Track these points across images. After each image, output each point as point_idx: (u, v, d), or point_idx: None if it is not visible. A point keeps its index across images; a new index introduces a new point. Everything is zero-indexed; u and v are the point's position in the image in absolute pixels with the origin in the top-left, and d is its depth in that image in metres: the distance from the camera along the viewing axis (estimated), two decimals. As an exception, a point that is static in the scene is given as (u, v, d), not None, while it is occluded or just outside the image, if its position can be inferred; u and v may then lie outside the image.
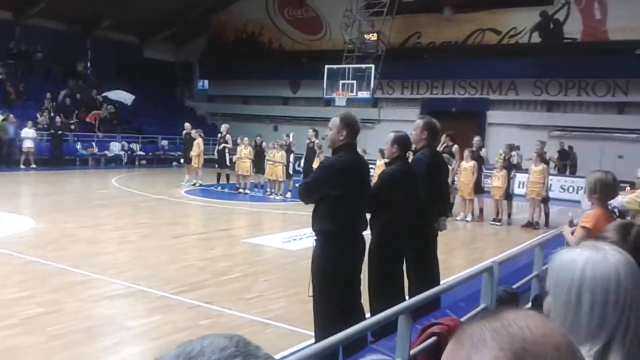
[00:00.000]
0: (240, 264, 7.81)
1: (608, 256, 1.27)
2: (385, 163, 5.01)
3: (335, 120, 4.25)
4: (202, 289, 6.45)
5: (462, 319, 2.93)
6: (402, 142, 4.92)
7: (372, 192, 4.62)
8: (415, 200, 4.86)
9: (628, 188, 8.71)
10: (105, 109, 24.49)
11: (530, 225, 12.24)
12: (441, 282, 4.97)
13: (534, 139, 15.17)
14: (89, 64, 27.24)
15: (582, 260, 1.27)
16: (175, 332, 4.99)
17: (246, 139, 16.31)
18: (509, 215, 12.88)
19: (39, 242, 8.55)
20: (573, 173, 18.64)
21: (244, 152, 15.94)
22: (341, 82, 21.39)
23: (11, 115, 19.90)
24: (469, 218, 12.84)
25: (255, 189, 16.16)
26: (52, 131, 20.83)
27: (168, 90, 30.19)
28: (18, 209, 11.43)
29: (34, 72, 24.47)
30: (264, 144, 16.14)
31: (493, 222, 12.60)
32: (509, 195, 12.83)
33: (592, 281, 1.23)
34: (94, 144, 22.70)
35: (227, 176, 16.59)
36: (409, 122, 5.85)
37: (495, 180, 12.78)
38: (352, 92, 21.20)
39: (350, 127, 4.23)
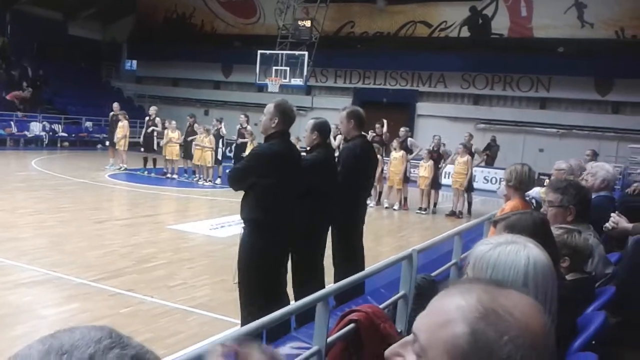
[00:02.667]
0: (165, 251, 7.64)
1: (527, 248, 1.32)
2: (306, 150, 5.00)
3: (269, 107, 4.20)
4: (123, 276, 6.27)
5: (381, 306, 2.97)
6: (321, 128, 4.89)
7: None
8: (336, 187, 4.88)
9: (547, 180, 9.13)
10: (25, 88, 23.27)
11: (454, 214, 12.64)
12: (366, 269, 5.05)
13: (462, 131, 15.66)
14: (7, 40, 25.71)
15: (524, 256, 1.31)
16: (93, 321, 4.82)
17: (174, 122, 15.94)
18: (435, 204, 13.26)
19: (-52, 226, 8.05)
20: (491, 164, 19.24)
21: (172, 135, 15.58)
22: (274, 68, 21.23)
23: None
24: (396, 207, 13.12)
25: (185, 175, 15.84)
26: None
27: (93, 70, 29.03)
28: None
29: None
30: (195, 125, 15.70)
31: (419, 211, 12.93)
32: (436, 185, 13.19)
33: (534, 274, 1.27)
34: (12, 123, 21.52)
35: (154, 160, 16.16)
36: (349, 106, 5.85)
37: (422, 170, 13.10)
38: (285, 78, 21.09)
39: (284, 114, 4.17)
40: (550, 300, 1.28)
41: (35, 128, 22.16)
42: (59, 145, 22.54)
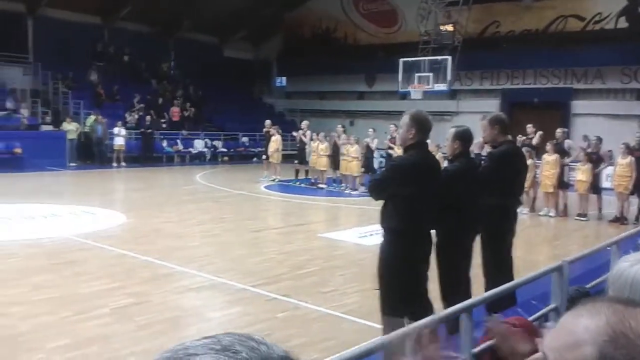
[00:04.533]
0: (317, 258, 7.99)
1: None
2: (448, 160, 4.93)
3: (405, 119, 4.22)
4: (279, 282, 6.67)
5: (531, 318, 2.92)
6: (463, 137, 4.82)
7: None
8: (480, 196, 4.79)
9: None
10: (188, 108, 25.57)
11: (618, 220, 11.70)
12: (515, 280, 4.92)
13: (623, 130, 14.45)
14: (172, 65, 28.43)
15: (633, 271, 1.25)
16: (254, 324, 5.22)
17: (322, 134, 16.55)
18: (599, 209, 12.35)
19: (129, 236, 9.10)
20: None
21: (321, 147, 16.18)
22: (417, 74, 21.17)
23: (99, 116, 21.18)
24: (552, 213, 12.44)
25: (334, 184, 16.36)
26: (143, 130, 22.00)
27: (247, 88, 30.98)
28: (110, 204, 12.17)
29: (122, 73, 25.81)
30: (343, 135, 16.17)
31: (578, 218, 12.14)
32: (596, 189, 12.31)
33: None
34: (178, 141, 23.70)
35: (306, 172, 16.93)
36: (489, 113, 5.72)
37: (579, 174, 12.30)
38: (428, 84, 20.93)
39: (420, 125, 4.17)
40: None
41: (199, 145, 24.19)
42: (219, 160, 24.38)
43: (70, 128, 20.61)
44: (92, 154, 21.17)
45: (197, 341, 0.69)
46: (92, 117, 21.32)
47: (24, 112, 21.03)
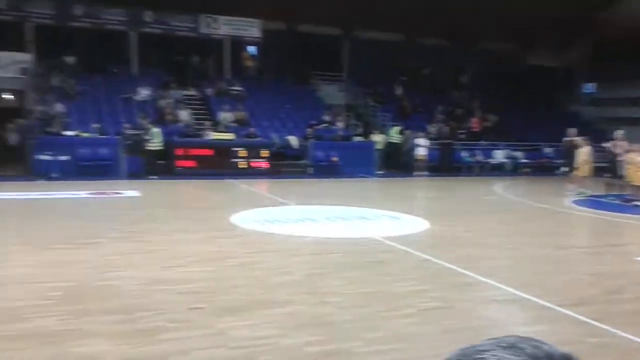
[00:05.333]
0: (634, 284, 7.17)
1: None
2: None
3: None
4: (589, 305, 6.17)
5: None
6: None
7: None
8: None
9: None
10: (486, 119, 25.38)
11: None
12: None
13: None
14: (470, 75, 28.61)
15: None
16: (561, 345, 4.89)
17: (637, 145, 14.76)
18: None
19: (432, 242, 9.46)
20: None
21: (638, 160, 14.42)
22: None
23: (401, 128, 22.52)
24: None
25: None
26: (443, 140, 22.68)
27: (548, 96, 29.36)
28: (414, 210, 12.80)
29: (423, 86, 26.95)
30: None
31: None
32: None
33: None
34: (478, 152, 23.68)
35: (620, 187, 15.29)
36: None
37: None
38: None
39: None
40: None
41: (499, 155, 23.81)
42: (520, 171, 23.59)
43: (378, 139, 22.32)
44: (396, 162, 22.55)
45: (484, 341, 0.78)
46: (397, 128, 22.73)
47: (340, 124, 23.49)
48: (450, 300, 6.17)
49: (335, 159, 21.01)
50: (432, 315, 5.65)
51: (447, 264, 7.73)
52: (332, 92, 26.27)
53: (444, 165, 22.35)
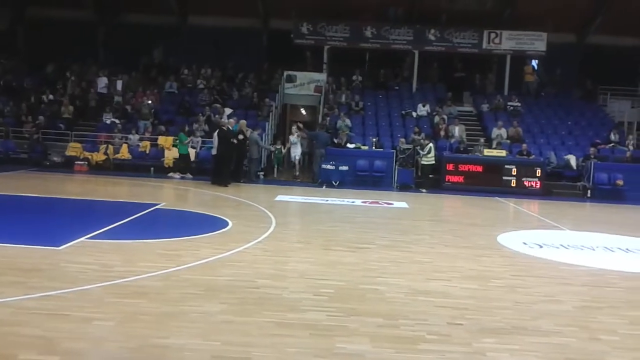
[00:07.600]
0: None
1: None
2: None
3: None
4: None
5: None
6: None
7: None
8: None
9: None
10: None
11: None
12: None
13: None
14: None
15: None
16: None
17: None
18: None
19: None
20: None
21: None
22: None
23: None
24: None
25: None
26: None
27: None
28: None
29: None
30: None
31: None
32: None
33: None
34: None
35: None
36: None
37: None
38: None
39: None
40: None
41: None
42: None
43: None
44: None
45: None
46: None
47: (629, 144, 21.07)
48: None
49: (620, 182, 18.90)
50: None
51: None
52: (622, 108, 23.71)
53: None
